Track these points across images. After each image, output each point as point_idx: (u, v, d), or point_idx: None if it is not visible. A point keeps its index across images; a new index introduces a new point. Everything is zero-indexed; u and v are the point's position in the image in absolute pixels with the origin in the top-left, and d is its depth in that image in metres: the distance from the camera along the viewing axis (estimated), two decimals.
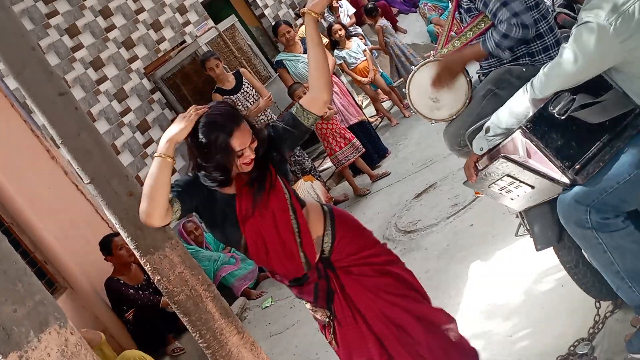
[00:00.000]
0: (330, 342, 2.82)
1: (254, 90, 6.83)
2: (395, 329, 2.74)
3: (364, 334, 2.74)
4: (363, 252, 2.77)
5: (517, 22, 2.93)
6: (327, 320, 2.77)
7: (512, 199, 2.76)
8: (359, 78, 8.03)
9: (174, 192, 2.52)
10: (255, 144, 2.54)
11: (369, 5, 9.05)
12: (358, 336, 2.75)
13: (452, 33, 3.34)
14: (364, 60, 8.13)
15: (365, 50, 8.23)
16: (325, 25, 8.84)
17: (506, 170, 2.64)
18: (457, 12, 3.26)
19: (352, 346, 2.77)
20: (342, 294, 2.73)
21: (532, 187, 2.62)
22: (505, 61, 3.09)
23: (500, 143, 2.66)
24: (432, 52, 3.40)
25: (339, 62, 7.96)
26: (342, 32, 7.95)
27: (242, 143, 2.49)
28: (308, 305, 2.82)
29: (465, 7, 3.17)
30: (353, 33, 9.04)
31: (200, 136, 2.48)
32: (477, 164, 2.81)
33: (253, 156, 2.54)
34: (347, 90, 7.71)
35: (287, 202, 2.65)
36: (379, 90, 8.35)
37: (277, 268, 2.70)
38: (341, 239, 2.74)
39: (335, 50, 7.99)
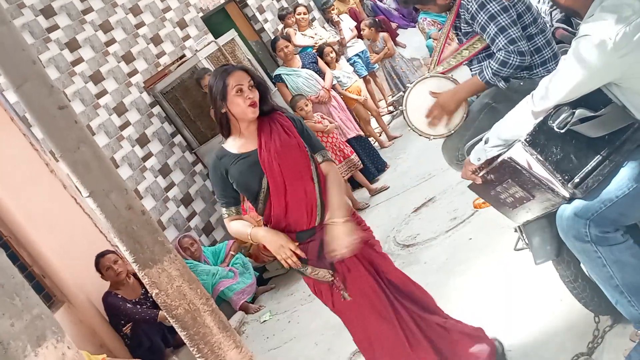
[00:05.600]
0: (343, 299, 3.00)
1: None
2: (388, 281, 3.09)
3: (371, 281, 3.03)
4: (356, 221, 3.08)
5: (514, 50, 2.98)
6: (331, 278, 2.98)
7: (512, 209, 2.76)
8: (355, 96, 8.04)
9: (228, 202, 3.05)
10: (254, 91, 2.93)
11: (375, 20, 9.13)
12: (367, 282, 3.02)
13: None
14: (356, 81, 8.21)
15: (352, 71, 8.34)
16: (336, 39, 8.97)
17: (509, 175, 2.63)
18: (454, 34, 3.30)
19: (363, 290, 3.01)
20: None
21: (533, 197, 2.62)
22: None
23: (498, 155, 2.66)
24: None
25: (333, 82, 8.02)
26: (333, 55, 8.05)
27: (238, 80, 2.91)
28: (309, 270, 3.00)
29: (463, 31, 3.20)
30: (354, 46, 9.12)
31: (209, 83, 3.03)
32: (474, 175, 2.81)
33: (254, 97, 2.92)
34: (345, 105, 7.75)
35: (307, 153, 2.99)
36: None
37: (293, 212, 2.94)
38: None
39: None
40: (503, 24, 2.99)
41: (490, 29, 3.02)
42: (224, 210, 3.08)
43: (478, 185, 2.81)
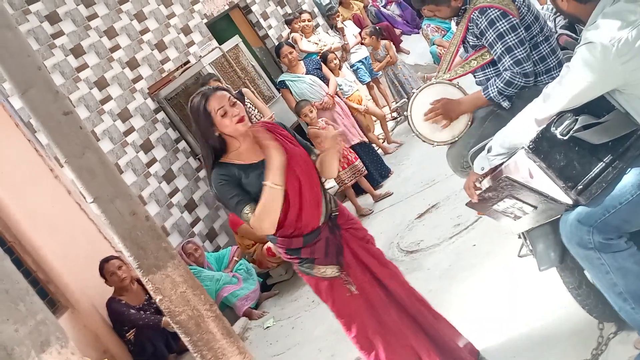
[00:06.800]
0: (351, 294, 3.10)
1: (256, 111, 6.86)
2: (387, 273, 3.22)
3: (369, 278, 3.14)
4: (352, 219, 3.26)
5: (519, 72, 3.02)
6: (338, 273, 3.09)
7: (514, 220, 2.76)
8: (355, 105, 8.03)
9: (246, 200, 2.94)
10: (237, 106, 2.97)
11: (375, 28, 9.16)
12: (367, 281, 3.13)
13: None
14: (357, 90, 8.21)
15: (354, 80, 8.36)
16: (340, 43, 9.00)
17: (508, 191, 2.64)
18: (462, 46, 3.32)
19: (361, 286, 3.12)
20: (349, 248, 3.13)
21: (535, 208, 2.62)
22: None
23: (502, 163, 2.66)
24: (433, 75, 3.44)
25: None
26: (337, 62, 8.06)
27: (219, 103, 2.93)
28: (315, 270, 3.08)
29: (471, 44, 3.22)
30: (357, 52, 9.15)
31: (190, 110, 3.01)
32: (478, 184, 2.81)
33: (240, 112, 2.95)
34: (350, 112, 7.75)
35: (310, 157, 3.17)
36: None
37: (306, 214, 3.02)
38: (339, 206, 3.21)
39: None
40: (510, 43, 3.02)
41: (497, 48, 3.06)
42: (246, 208, 2.94)
43: (476, 203, 2.82)
